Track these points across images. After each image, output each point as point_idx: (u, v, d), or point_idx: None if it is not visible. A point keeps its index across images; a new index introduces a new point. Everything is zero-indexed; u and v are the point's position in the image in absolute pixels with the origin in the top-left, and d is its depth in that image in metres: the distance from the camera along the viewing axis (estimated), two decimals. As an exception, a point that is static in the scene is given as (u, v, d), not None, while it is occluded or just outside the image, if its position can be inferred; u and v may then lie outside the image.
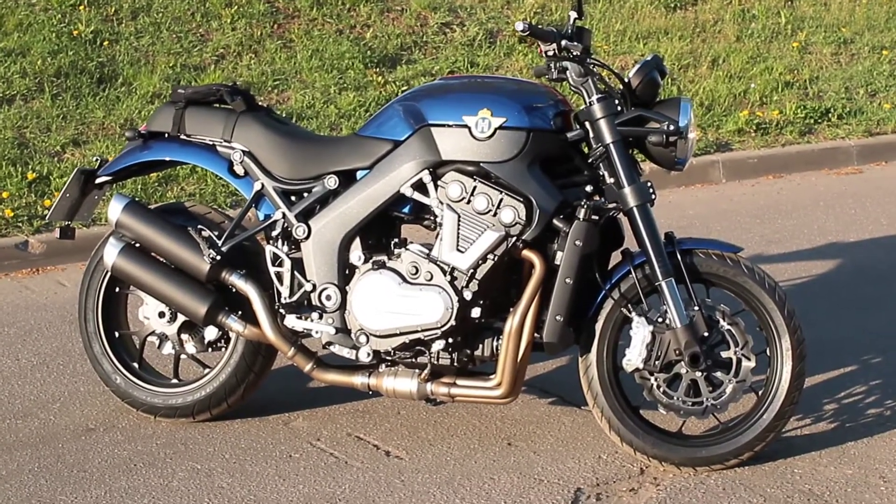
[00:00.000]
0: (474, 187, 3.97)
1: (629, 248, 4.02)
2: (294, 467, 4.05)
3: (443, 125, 4.03)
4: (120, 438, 4.33)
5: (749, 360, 3.94)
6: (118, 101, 8.06)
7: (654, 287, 3.93)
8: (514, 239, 3.94)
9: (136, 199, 4.44)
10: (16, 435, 4.38)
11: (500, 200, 3.94)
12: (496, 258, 3.96)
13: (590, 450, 4.13)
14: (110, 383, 4.48)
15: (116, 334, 4.51)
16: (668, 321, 3.91)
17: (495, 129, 3.97)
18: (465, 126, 3.99)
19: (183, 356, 4.46)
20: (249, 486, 3.93)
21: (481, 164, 3.98)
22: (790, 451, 4.09)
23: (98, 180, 4.50)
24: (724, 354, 3.96)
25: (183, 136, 4.35)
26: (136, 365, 4.50)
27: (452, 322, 3.98)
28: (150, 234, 4.27)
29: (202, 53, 8.70)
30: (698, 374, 3.93)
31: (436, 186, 4.01)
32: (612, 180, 3.96)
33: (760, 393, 4.00)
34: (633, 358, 3.94)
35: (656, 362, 3.92)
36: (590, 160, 4.01)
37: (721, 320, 3.95)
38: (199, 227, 4.25)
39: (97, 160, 4.59)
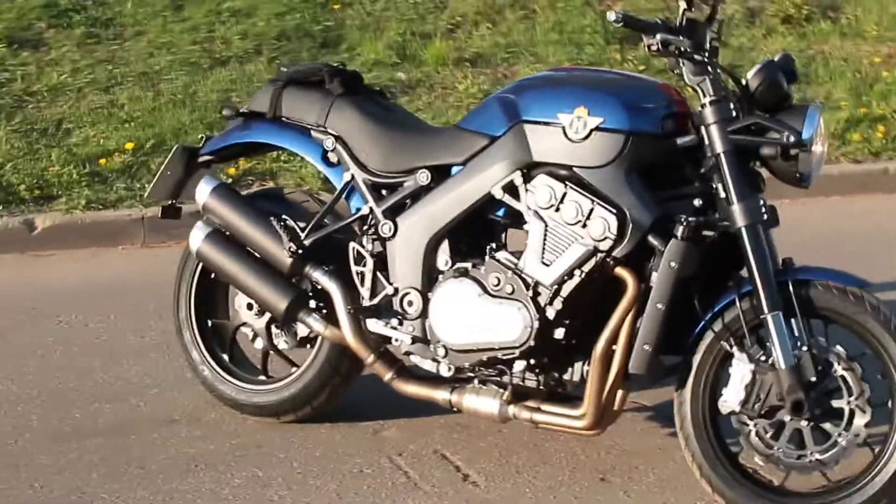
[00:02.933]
0: (564, 194, 3.92)
1: (741, 275, 3.91)
2: (357, 485, 4.12)
3: (537, 122, 3.98)
4: (197, 434, 4.51)
5: (864, 412, 3.77)
6: (337, 68, 8.35)
7: (761, 321, 3.82)
8: (604, 255, 3.88)
9: (227, 182, 4.61)
10: (95, 421, 4.62)
11: (591, 211, 3.88)
12: (584, 275, 3.90)
13: (687, 495, 4.03)
14: (198, 374, 4.69)
15: (209, 323, 4.72)
16: (772, 361, 3.80)
17: (591, 130, 3.90)
18: (560, 125, 3.95)
19: (273, 352, 4.64)
20: (300, 501, 3.99)
21: (574, 169, 3.94)
22: (907, 522, 3.90)
23: (201, 159, 4.71)
24: (835, 404, 3.79)
25: (283, 119, 4.50)
26: (225, 357, 4.68)
27: (531, 342, 3.95)
28: (235, 221, 4.42)
29: (436, 21, 8.89)
30: (803, 423, 3.78)
31: (527, 190, 4.01)
32: (723, 195, 3.86)
33: (876, 451, 3.83)
34: (730, 399, 3.82)
35: (756, 406, 3.79)
36: (703, 171, 3.92)
37: (835, 364, 3.78)
38: (284, 217, 4.39)
39: (202, 138, 4.80)
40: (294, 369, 4.57)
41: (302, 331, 4.48)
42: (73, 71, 8.23)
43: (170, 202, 4.78)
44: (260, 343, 4.60)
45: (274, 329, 4.55)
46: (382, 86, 8.19)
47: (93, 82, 8.15)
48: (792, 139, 3.77)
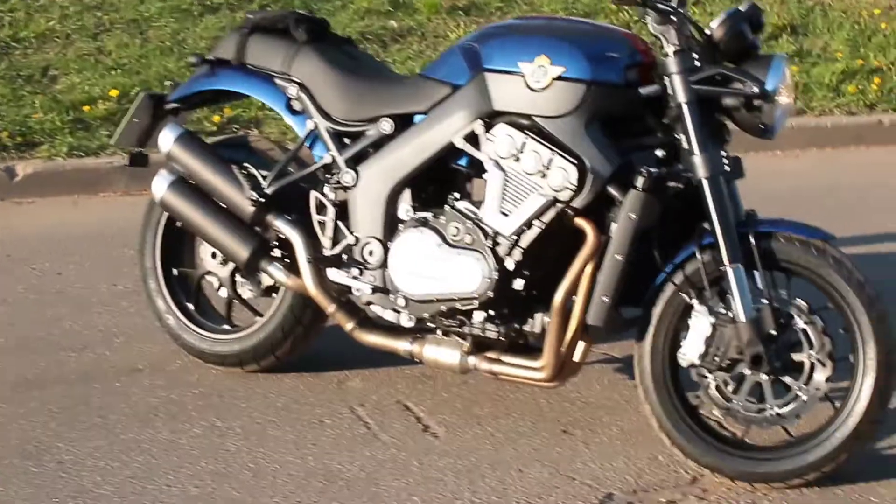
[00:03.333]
0: (524, 143, 3.86)
1: (703, 226, 3.84)
2: (316, 436, 4.08)
3: (498, 71, 3.91)
4: (160, 384, 4.47)
5: (825, 366, 3.72)
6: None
7: (722, 273, 3.77)
8: (564, 205, 3.82)
9: (190, 130, 4.55)
10: (60, 370, 4.58)
11: (551, 161, 3.82)
12: (543, 225, 3.85)
13: (648, 448, 3.98)
14: (163, 323, 4.65)
15: (175, 272, 4.67)
16: (732, 314, 3.74)
17: (552, 80, 3.83)
18: (521, 74, 3.88)
19: (237, 301, 4.60)
20: (256, 452, 3.96)
21: (534, 118, 3.88)
22: (867, 476, 3.81)
23: (167, 106, 4.65)
24: (796, 357, 3.73)
25: (248, 66, 4.44)
26: (190, 306, 4.64)
27: (490, 293, 3.90)
28: (198, 169, 4.36)
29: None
30: (763, 376, 3.73)
31: (487, 139, 3.95)
32: (686, 146, 3.79)
33: (838, 406, 3.78)
34: (690, 352, 3.76)
35: (715, 359, 3.74)
36: (666, 121, 3.86)
37: (796, 318, 3.73)
38: (247, 165, 4.34)
39: (170, 84, 4.74)
40: (258, 318, 4.53)
41: (266, 280, 4.44)
42: (62, 17, 8.16)
43: (137, 150, 4.73)
44: (224, 292, 4.56)
45: (238, 278, 4.51)
46: (374, 34, 8.20)
47: (81, 28, 8.08)
48: (755, 90, 3.70)
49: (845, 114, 8.26)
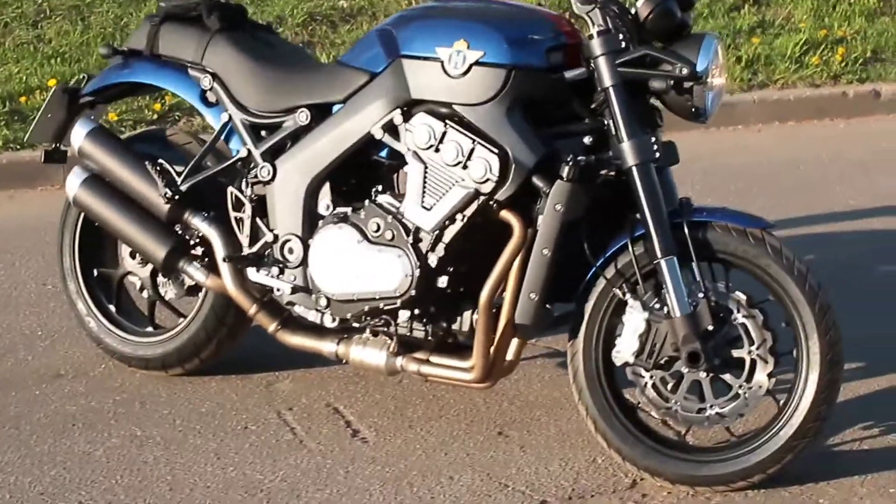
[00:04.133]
0: (444, 133, 3.62)
1: (634, 217, 3.61)
2: (239, 444, 3.86)
3: (415, 57, 3.69)
4: (80, 390, 4.24)
5: (766, 362, 3.50)
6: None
7: (655, 266, 3.54)
8: (487, 197, 3.59)
9: (102, 125, 4.32)
10: (-23, 377, 4.41)
11: (472, 151, 3.58)
12: (466, 219, 3.62)
13: (587, 450, 3.76)
14: (84, 326, 4.42)
15: (95, 272, 4.45)
16: (667, 309, 3.52)
17: (471, 65, 3.59)
18: (439, 60, 3.64)
19: (160, 302, 4.37)
20: (175, 462, 3.74)
21: (454, 106, 3.64)
22: (813, 477, 3.59)
23: (82, 100, 4.41)
24: (735, 353, 3.52)
25: (163, 57, 4.20)
26: (112, 307, 4.41)
27: (413, 291, 3.68)
28: (111, 166, 4.12)
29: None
30: (702, 374, 3.51)
31: (406, 130, 3.72)
32: (614, 132, 3.56)
33: (781, 403, 3.56)
34: (624, 350, 3.54)
35: (651, 357, 3.52)
36: (593, 106, 3.63)
37: (735, 311, 3.51)
38: (161, 160, 4.10)
39: (83, 77, 4.51)
40: (181, 320, 4.31)
41: (188, 280, 4.21)
42: (1, 4, 7.87)
43: (52, 146, 4.48)
44: (146, 293, 4.34)
45: (160, 278, 4.29)
46: (323, 15, 7.93)
47: (20, 17, 7.79)
48: (685, 71, 3.48)
49: (808, 86, 8.01)
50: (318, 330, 3.94)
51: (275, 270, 3.92)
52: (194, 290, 4.24)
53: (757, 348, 3.49)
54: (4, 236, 5.83)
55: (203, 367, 4.29)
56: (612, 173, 3.59)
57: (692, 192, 6.03)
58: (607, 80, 3.50)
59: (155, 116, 6.88)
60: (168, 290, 4.29)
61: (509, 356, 3.75)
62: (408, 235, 3.68)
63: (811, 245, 5.43)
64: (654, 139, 3.52)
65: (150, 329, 4.38)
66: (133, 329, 4.38)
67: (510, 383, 4.18)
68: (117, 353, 4.36)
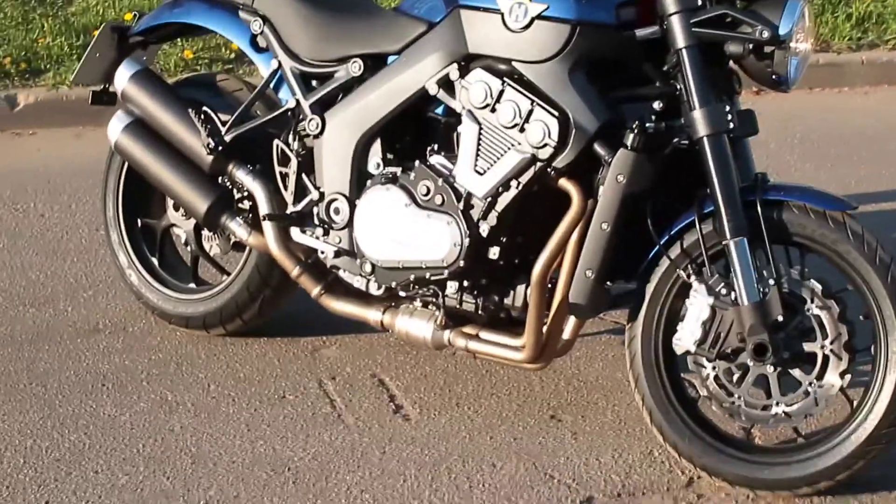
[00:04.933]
0: (501, 92, 3.34)
1: (704, 192, 3.31)
2: (272, 415, 3.64)
3: (475, 8, 3.40)
4: (117, 347, 4.06)
5: (840, 358, 3.20)
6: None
7: (724, 247, 3.24)
8: (545, 164, 3.31)
9: (149, 67, 4.09)
10: (13, 327, 4.19)
11: (530, 112, 3.30)
12: (521, 186, 3.35)
13: (644, 441, 3.49)
14: (125, 279, 4.23)
15: (139, 223, 4.25)
16: (733, 295, 3.22)
17: (532, 19, 3.30)
18: (499, 11, 3.36)
19: (203, 257, 4.16)
20: (203, 433, 3.54)
21: (513, 63, 3.36)
22: (888, 485, 3.29)
23: (132, 40, 4.19)
24: (807, 347, 3.22)
25: None
26: (154, 260, 4.22)
27: (461, 262, 3.42)
28: (155, 112, 3.90)
29: None
30: (769, 368, 3.22)
31: (462, 86, 3.44)
32: (686, 99, 3.26)
33: (855, 404, 3.25)
34: (685, 337, 3.26)
35: (713, 347, 3.24)
36: (666, 68, 3.32)
37: (808, 301, 3.20)
38: (206, 108, 3.86)
39: (135, 16, 4.28)
40: (224, 277, 4.09)
41: (233, 236, 3.98)
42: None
43: (101, 87, 4.27)
44: (190, 247, 4.13)
45: (204, 232, 4.07)
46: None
47: (100, -54, 7.61)
48: (766, 34, 3.16)
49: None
50: (363, 297, 3.69)
51: (319, 231, 3.68)
52: (240, 246, 4.02)
53: (831, 343, 3.18)
54: (65, 177, 5.65)
55: (246, 329, 4.09)
56: (684, 143, 3.29)
57: (790, 156, 5.74)
58: (681, 41, 3.19)
59: (232, 56, 6.65)
60: (212, 246, 4.08)
61: (566, 335, 3.48)
62: (458, 201, 3.42)
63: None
64: (728, 107, 3.21)
65: (192, 285, 4.17)
66: (175, 285, 4.18)
67: (570, 361, 3.92)
68: (158, 310, 4.17)
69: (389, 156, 3.61)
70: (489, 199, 3.38)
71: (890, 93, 7.28)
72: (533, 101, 3.30)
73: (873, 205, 5.34)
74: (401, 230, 3.50)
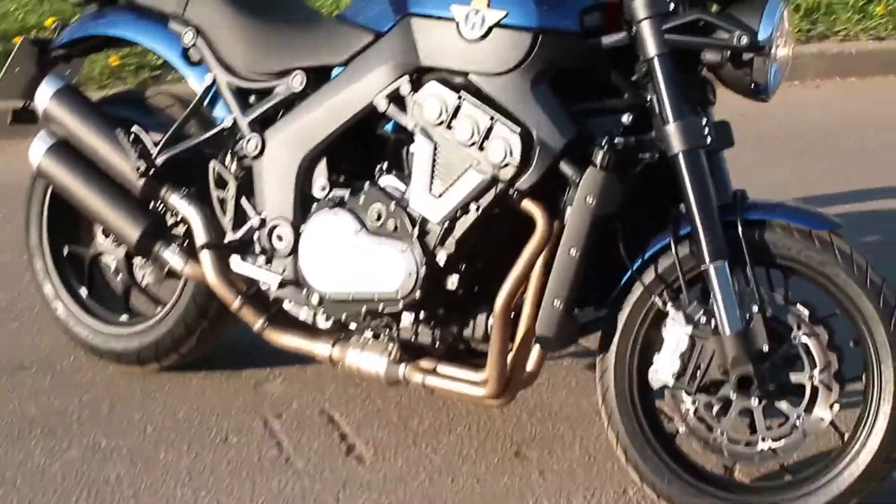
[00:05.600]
0: (457, 107, 3.07)
1: (679, 211, 3.07)
2: (215, 460, 3.35)
3: (426, 16, 3.14)
4: (45, 386, 3.76)
5: (830, 389, 2.96)
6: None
7: (701, 274, 2.99)
8: (506, 185, 3.05)
9: (72, 85, 3.78)
10: (-71, 367, 3.92)
11: (490, 129, 3.03)
12: (480, 210, 3.08)
13: (617, 478, 3.25)
14: (52, 311, 3.93)
15: (66, 250, 3.94)
16: (714, 323, 2.97)
17: (490, 27, 3.04)
18: (453, 19, 3.09)
19: (135, 287, 3.86)
20: (140, 483, 3.24)
21: (470, 76, 3.09)
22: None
23: (53, 53, 3.88)
24: (794, 378, 2.97)
25: (141, 6, 3.66)
26: (83, 291, 3.92)
27: (417, 293, 3.15)
28: (80, 132, 3.59)
29: None
30: (754, 402, 2.97)
31: (414, 101, 3.17)
32: (658, 110, 3.01)
33: (846, 437, 3.02)
34: (662, 370, 3.01)
35: (693, 380, 2.99)
36: (635, 78, 3.07)
37: (795, 328, 2.96)
38: (136, 127, 3.57)
39: (56, 27, 3.96)
40: (159, 309, 3.80)
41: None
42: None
43: (22, 104, 3.95)
44: (121, 276, 3.83)
45: (136, 260, 3.77)
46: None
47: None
48: (744, 41, 2.91)
49: (872, 38, 7.36)
50: (310, 329, 3.41)
51: (261, 260, 3.40)
52: (175, 274, 3.72)
53: (820, 373, 2.94)
54: (-10, 193, 5.33)
55: (183, 363, 3.79)
56: (654, 158, 3.04)
57: (747, 155, 5.49)
58: (652, 48, 2.94)
59: (161, 62, 6.33)
60: (145, 274, 3.79)
61: (530, 367, 3.22)
62: (413, 227, 3.14)
63: (876, 224, 4.88)
64: (705, 120, 2.96)
65: (124, 318, 3.88)
66: (106, 317, 3.88)
67: (532, 389, 3.62)
68: (88, 344, 3.87)
69: (336, 177, 3.34)
70: (446, 224, 3.11)
71: (842, 86, 7.10)
72: (492, 117, 3.03)
73: (840, 205, 5.14)
74: (350, 259, 3.22)
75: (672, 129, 2.93)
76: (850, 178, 5.48)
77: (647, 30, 2.94)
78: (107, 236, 3.79)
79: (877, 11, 7.44)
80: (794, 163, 5.69)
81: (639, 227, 3.09)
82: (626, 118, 3.06)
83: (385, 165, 3.29)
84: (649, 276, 3.04)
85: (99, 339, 3.84)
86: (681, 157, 2.93)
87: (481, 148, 3.04)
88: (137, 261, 3.76)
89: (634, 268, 3.05)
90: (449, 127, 3.08)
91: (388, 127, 3.29)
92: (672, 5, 2.95)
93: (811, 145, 6.00)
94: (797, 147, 5.91)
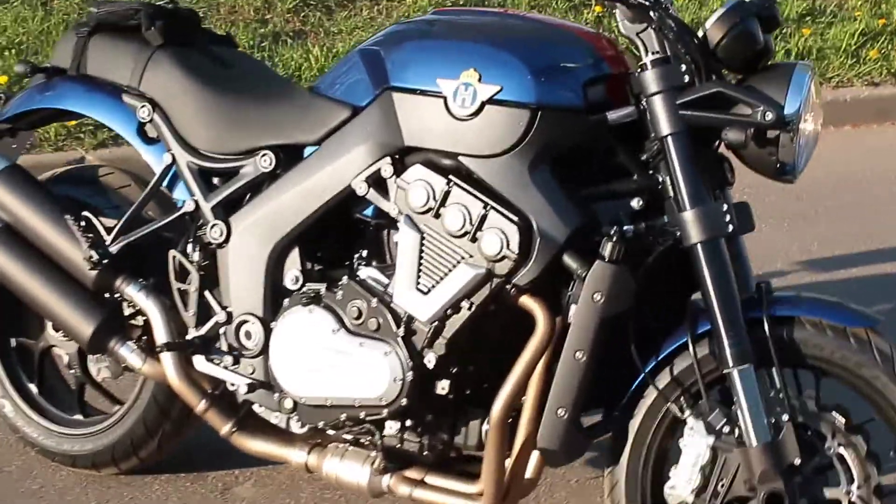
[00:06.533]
0: (446, 193, 2.75)
1: (696, 303, 2.75)
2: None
3: (409, 90, 2.83)
4: (-11, 494, 3.45)
5: (870, 506, 2.65)
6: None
7: (723, 375, 2.67)
8: (503, 280, 2.73)
9: (17, 164, 3.44)
10: None
11: (483, 218, 2.71)
12: (474, 307, 2.76)
13: None
14: (-1, 409, 3.59)
15: (13, 343, 3.60)
16: (738, 433, 2.65)
17: (483, 103, 2.73)
18: (440, 94, 2.77)
19: (90, 384, 3.52)
20: None
21: (460, 158, 2.77)
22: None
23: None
24: (829, 494, 2.66)
25: (92, 77, 3.34)
26: (33, 388, 3.58)
27: (403, 400, 2.83)
28: (26, 218, 3.25)
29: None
30: (784, 521, 2.66)
31: (397, 186, 2.85)
32: (671, 193, 2.69)
33: (889, 562, 2.70)
34: (680, 485, 2.68)
35: (715, 497, 2.67)
36: (644, 157, 2.75)
37: (829, 438, 2.65)
38: (87, 212, 3.23)
39: (1, 98, 3.62)
40: (116, 408, 3.46)
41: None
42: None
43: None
44: (74, 372, 3.49)
45: (90, 355, 3.42)
46: (317, -1, 7.06)
47: (-27, 4, 6.91)
48: (770, 117, 2.60)
49: (866, 84, 7.07)
50: (284, 433, 3.07)
51: (228, 360, 3.07)
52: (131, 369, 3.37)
53: (858, 488, 2.63)
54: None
55: (143, 466, 3.44)
56: (668, 245, 2.72)
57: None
58: (666, 126, 2.63)
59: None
60: (101, 369, 3.44)
61: (529, 473, 2.90)
62: (398, 326, 2.81)
63: (886, 291, 4.58)
64: (725, 206, 2.65)
65: (78, 417, 3.54)
66: (58, 416, 3.56)
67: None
68: (39, 446, 3.54)
69: (310, 267, 3.01)
70: (435, 324, 2.78)
71: (837, 135, 6.80)
72: (486, 205, 2.71)
73: (842, 271, 4.85)
74: (328, 361, 2.89)
75: (690, 216, 2.61)
76: (855, 240, 5.19)
77: (659, 105, 2.63)
78: (57, 329, 3.44)
79: (870, 56, 7.16)
80: (792, 224, 5.40)
81: (649, 321, 2.78)
82: (635, 203, 2.75)
83: (364, 253, 2.97)
84: (664, 379, 2.73)
85: (51, 441, 3.51)
86: (699, 247, 2.61)
87: (474, 239, 2.72)
88: (91, 355, 3.42)
89: (647, 370, 2.73)
90: (437, 215, 2.76)
91: (368, 211, 2.96)
92: (687, 77, 2.64)
93: (809, 205, 5.71)
94: (795, 206, 5.60)
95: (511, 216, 2.69)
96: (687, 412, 2.71)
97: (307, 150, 3.00)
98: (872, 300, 4.48)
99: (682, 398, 2.72)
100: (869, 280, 4.84)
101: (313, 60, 6.58)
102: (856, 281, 4.83)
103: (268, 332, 3.00)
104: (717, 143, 2.75)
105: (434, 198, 2.76)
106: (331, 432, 2.99)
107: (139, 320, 3.30)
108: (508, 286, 2.73)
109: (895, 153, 6.57)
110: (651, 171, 2.73)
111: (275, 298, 3.01)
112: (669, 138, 2.64)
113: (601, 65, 2.78)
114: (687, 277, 2.69)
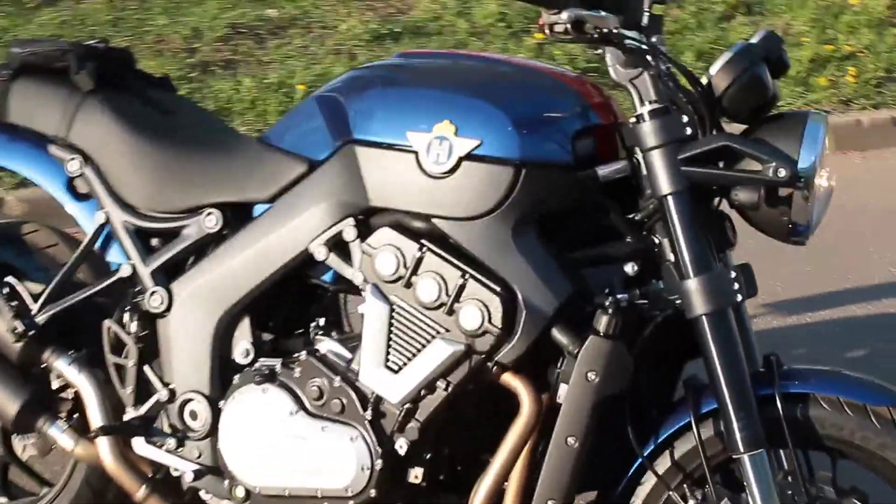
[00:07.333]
0: (418, 260, 2.46)
1: (697, 379, 2.48)
2: None
3: (374, 144, 2.54)
4: None
5: None
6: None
7: (730, 459, 2.40)
8: (483, 357, 2.44)
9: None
10: None
11: (461, 288, 2.42)
12: (451, 387, 2.47)
13: None
14: (-88, 493, 3.25)
15: (-71, 420, 3.27)
16: (750, 525, 2.38)
17: (459, 159, 2.44)
18: (411, 150, 2.48)
19: (14, 464, 3.19)
20: None
21: (434, 220, 2.49)
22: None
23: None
24: (849, 591, 2.42)
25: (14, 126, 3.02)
26: (-49, 467, 3.26)
27: (372, 491, 2.53)
28: (-58, 284, 2.96)
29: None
30: None
31: (362, 251, 2.55)
32: (671, 258, 2.41)
33: None
34: (685, 582, 2.43)
35: None
36: (640, 217, 2.48)
37: (849, 529, 2.40)
38: (11, 277, 2.91)
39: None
40: (44, 491, 3.13)
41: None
42: None
43: None
44: (-3, 450, 3.17)
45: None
46: (247, 26, 6.77)
47: None
48: (783, 173, 2.32)
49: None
50: (236, 522, 2.77)
51: (171, 443, 2.75)
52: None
53: (883, 584, 2.37)
54: None
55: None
56: (667, 315, 2.45)
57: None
58: (666, 185, 2.35)
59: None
60: (27, 447, 3.12)
61: (510, 564, 2.61)
62: (365, 408, 2.52)
63: (859, 337, 4.35)
64: (733, 273, 2.37)
65: (2, 500, 3.19)
66: (-21, 500, 3.21)
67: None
68: (-42, 533, 3.19)
69: (262, 339, 2.71)
70: (407, 406, 2.49)
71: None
72: (464, 273, 2.42)
73: (808, 315, 4.62)
74: (285, 447, 2.59)
75: (693, 285, 2.34)
76: (815, 280, 4.97)
77: (658, 161, 2.36)
78: (-22, 405, 3.11)
79: (819, 83, 6.95)
80: (757, 263, 5.15)
81: (641, 388, 2.51)
82: (629, 268, 2.47)
83: (322, 322, 2.68)
84: (664, 463, 2.48)
85: (-30, 529, 3.17)
86: (704, 320, 2.34)
87: (451, 312, 2.43)
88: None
89: (645, 455, 2.45)
90: (408, 285, 2.47)
91: (327, 276, 2.66)
92: (688, 129, 2.37)
93: (769, 243, 5.46)
94: (761, 244, 5.36)
95: (492, 286, 2.41)
96: (690, 501, 2.44)
97: (257, 209, 2.70)
98: (841, 343, 4.29)
99: (684, 485, 2.46)
100: (836, 322, 4.62)
101: (245, 91, 6.28)
102: (824, 324, 4.61)
103: (216, 411, 2.69)
104: (718, 200, 2.49)
105: (405, 265, 2.46)
106: (288, 525, 2.69)
107: (69, 392, 2.98)
108: (490, 364, 2.44)
109: (848, 185, 6.34)
110: (645, 233, 2.46)
111: (223, 374, 2.71)
112: (670, 198, 2.36)
113: (589, 114, 2.51)
114: (683, 341, 2.43)
